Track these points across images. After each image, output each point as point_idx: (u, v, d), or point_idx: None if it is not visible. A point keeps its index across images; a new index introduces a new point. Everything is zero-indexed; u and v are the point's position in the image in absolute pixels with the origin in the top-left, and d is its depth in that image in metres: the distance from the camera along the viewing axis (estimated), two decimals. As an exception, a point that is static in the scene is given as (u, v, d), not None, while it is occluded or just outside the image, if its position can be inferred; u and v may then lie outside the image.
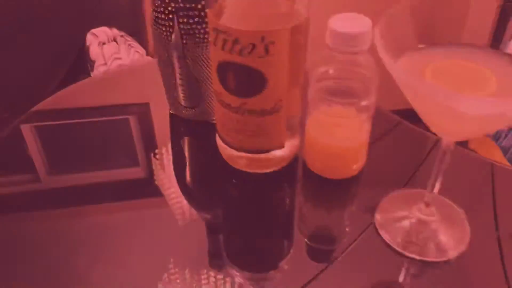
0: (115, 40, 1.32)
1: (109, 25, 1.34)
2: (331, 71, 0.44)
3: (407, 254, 0.42)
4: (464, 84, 0.34)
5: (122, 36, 1.33)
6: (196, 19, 0.47)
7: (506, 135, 1.53)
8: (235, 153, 0.48)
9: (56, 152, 0.58)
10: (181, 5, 0.47)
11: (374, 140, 0.52)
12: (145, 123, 0.61)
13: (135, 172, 0.54)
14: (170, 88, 0.54)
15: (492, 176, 0.50)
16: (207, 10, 0.43)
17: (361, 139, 0.47)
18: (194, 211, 0.48)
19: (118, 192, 0.52)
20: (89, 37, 1.32)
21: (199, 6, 0.46)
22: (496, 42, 0.35)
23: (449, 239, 0.43)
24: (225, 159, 0.50)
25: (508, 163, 1.43)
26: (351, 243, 0.45)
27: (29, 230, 0.47)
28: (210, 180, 0.53)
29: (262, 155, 0.47)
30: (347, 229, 0.47)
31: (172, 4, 0.47)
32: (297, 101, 0.47)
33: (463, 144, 1.58)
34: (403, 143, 0.56)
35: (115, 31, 1.33)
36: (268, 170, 0.49)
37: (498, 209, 0.46)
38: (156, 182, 0.51)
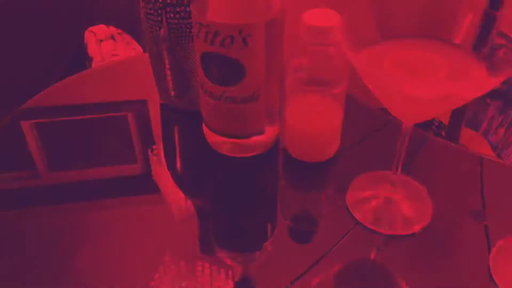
0: (112, 37, 1.36)
1: (107, 23, 1.38)
2: (305, 62, 0.48)
3: (377, 229, 0.46)
4: (419, 71, 0.38)
5: (119, 33, 1.37)
6: (182, 14, 0.51)
7: (495, 131, 1.57)
8: (219, 138, 0.52)
9: (54, 149, 0.61)
10: (169, 1, 0.50)
11: (364, 135, 0.56)
12: (143, 119, 0.64)
13: (133, 168, 0.57)
14: (160, 79, 0.58)
15: (481, 168, 0.54)
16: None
17: (334, 124, 0.51)
18: (189, 206, 0.51)
19: (116, 188, 0.54)
20: (87, 34, 1.36)
21: (185, 2, 0.50)
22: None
23: (414, 214, 0.47)
24: (210, 145, 0.54)
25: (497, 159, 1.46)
26: (326, 223, 0.49)
27: (29, 225, 0.50)
28: (197, 166, 0.56)
29: (244, 141, 0.51)
30: (323, 209, 0.51)
31: (160, 1, 0.51)
32: (275, 91, 0.50)
33: (454, 139, 1.61)
34: (375, 130, 0.60)
35: (112, 29, 1.37)
36: (250, 155, 0.53)
37: (487, 198, 0.49)
38: (153, 178, 0.54)
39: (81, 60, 1.33)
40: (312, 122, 0.51)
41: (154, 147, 0.57)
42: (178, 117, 0.60)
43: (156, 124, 0.62)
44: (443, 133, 1.53)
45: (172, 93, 0.58)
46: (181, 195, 0.52)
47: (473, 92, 0.34)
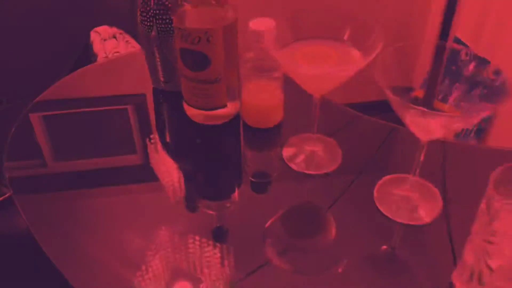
0: (114, 37, 1.55)
1: (110, 24, 1.57)
2: (253, 55, 0.67)
3: (309, 172, 0.66)
4: (317, 60, 0.58)
5: (121, 33, 1.56)
6: (168, 21, 0.70)
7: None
8: (194, 111, 0.72)
9: (61, 140, 0.74)
10: (157, 11, 0.70)
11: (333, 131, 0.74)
12: (142, 113, 0.80)
13: (132, 158, 0.72)
14: (152, 69, 0.78)
15: (444, 150, 0.70)
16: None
17: (277, 99, 0.71)
18: (182, 189, 0.65)
19: (117, 175, 0.68)
20: (92, 34, 1.55)
21: (169, 12, 0.70)
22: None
23: (329, 160, 0.67)
24: (189, 116, 0.74)
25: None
26: (271, 173, 0.69)
27: (43, 209, 0.62)
28: (179, 133, 0.76)
29: (212, 112, 0.71)
30: (269, 163, 0.71)
31: (152, 11, 0.70)
32: (234, 76, 0.70)
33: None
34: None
35: (114, 29, 1.56)
36: (218, 123, 0.73)
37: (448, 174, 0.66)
38: (151, 165, 0.68)
39: (87, 57, 1.52)
40: (261, 98, 0.70)
41: (151, 136, 0.75)
42: (166, 97, 0.80)
43: (152, 113, 0.79)
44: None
45: (162, 79, 0.78)
46: (175, 179, 0.67)
47: (348, 72, 0.54)
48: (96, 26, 1.54)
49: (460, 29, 1.63)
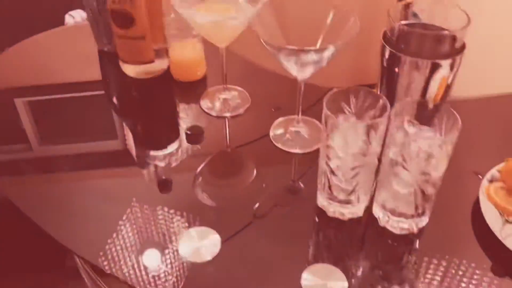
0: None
1: (83, 8, 1.68)
2: (175, 18, 0.78)
3: (224, 115, 0.77)
4: (218, 12, 0.69)
5: (94, 16, 1.67)
6: (104, -12, 0.82)
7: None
8: (128, 66, 0.83)
9: (46, 126, 0.80)
10: (95, -17, 0.81)
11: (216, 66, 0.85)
12: (88, 73, 0.90)
13: (112, 144, 0.79)
14: (96, 32, 0.89)
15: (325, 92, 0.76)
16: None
17: (198, 55, 0.82)
18: (152, 167, 0.71)
19: (96, 157, 0.75)
20: (67, 17, 1.66)
21: (104, -20, 0.81)
22: None
23: (241, 102, 0.78)
24: (124, 72, 0.85)
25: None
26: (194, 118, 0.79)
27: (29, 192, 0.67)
28: (118, 86, 0.87)
29: (142, 66, 0.82)
30: (197, 112, 0.82)
31: (91, -18, 0.82)
32: (160, 35, 0.81)
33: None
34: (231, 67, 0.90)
35: (88, 12, 1.67)
36: (148, 77, 0.84)
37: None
38: (127, 146, 0.77)
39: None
40: (184, 54, 0.82)
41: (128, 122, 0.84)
42: (109, 57, 0.91)
43: (97, 72, 0.91)
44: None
45: (104, 42, 0.89)
46: (148, 160, 0.73)
47: (237, 20, 0.65)
48: (71, 10, 1.65)
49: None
